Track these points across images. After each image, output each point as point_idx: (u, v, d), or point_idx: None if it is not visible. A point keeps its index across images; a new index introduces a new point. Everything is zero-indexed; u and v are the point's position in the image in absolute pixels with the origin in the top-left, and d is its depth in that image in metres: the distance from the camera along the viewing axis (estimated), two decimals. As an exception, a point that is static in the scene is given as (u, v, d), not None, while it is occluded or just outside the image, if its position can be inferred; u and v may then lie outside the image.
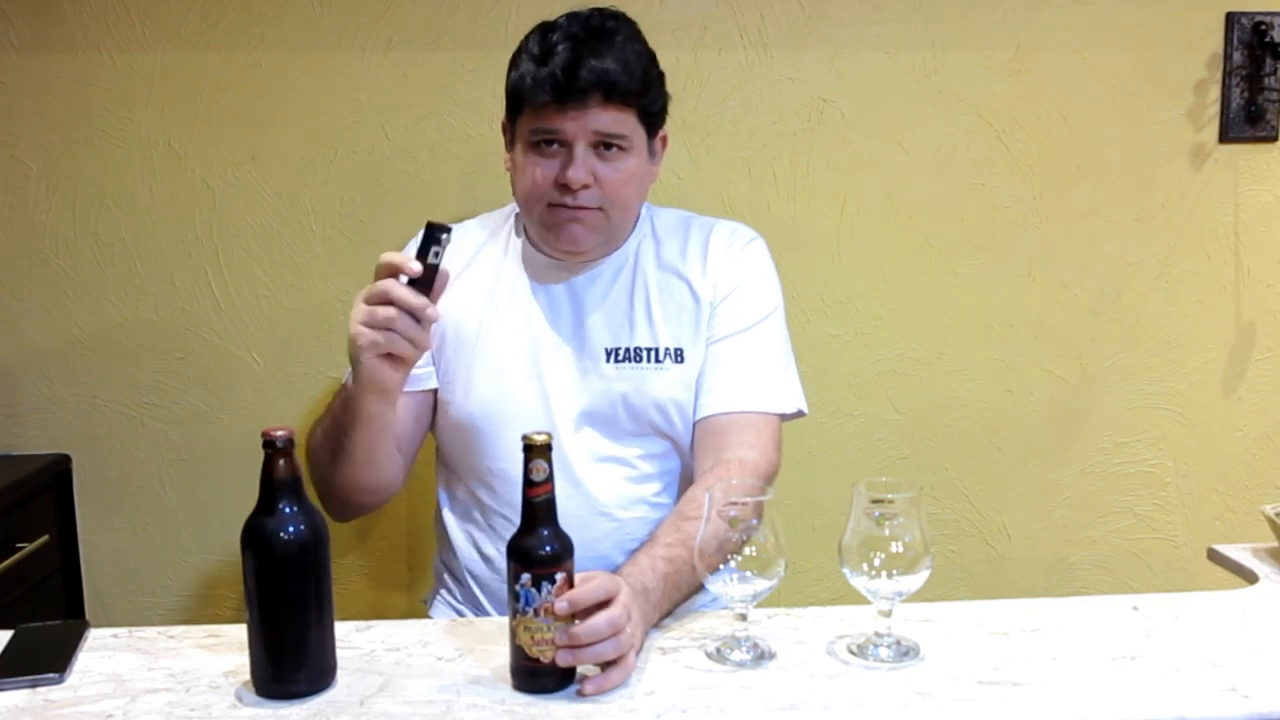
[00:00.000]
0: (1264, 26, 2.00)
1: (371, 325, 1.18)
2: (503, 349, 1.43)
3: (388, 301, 1.17)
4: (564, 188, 1.34)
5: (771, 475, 1.40)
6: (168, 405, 2.00)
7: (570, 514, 1.28)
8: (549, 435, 1.07)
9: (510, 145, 1.41)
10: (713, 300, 1.43)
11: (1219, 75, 2.03)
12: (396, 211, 1.95)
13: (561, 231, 1.38)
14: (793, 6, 1.96)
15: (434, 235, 1.17)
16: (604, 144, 1.34)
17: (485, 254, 1.48)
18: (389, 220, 1.95)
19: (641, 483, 1.45)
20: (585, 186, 1.34)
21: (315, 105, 1.93)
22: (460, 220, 1.55)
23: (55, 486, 1.97)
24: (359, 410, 1.27)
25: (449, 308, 1.43)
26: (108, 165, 1.93)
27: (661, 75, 1.40)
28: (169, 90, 1.91)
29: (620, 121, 1.34)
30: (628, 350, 1.42)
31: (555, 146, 1.34)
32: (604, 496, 1.42)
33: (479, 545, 1.47)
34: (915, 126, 2.01)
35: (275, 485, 1.05)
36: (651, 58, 1.38)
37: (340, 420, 1.31)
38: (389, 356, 1.20)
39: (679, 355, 1.42)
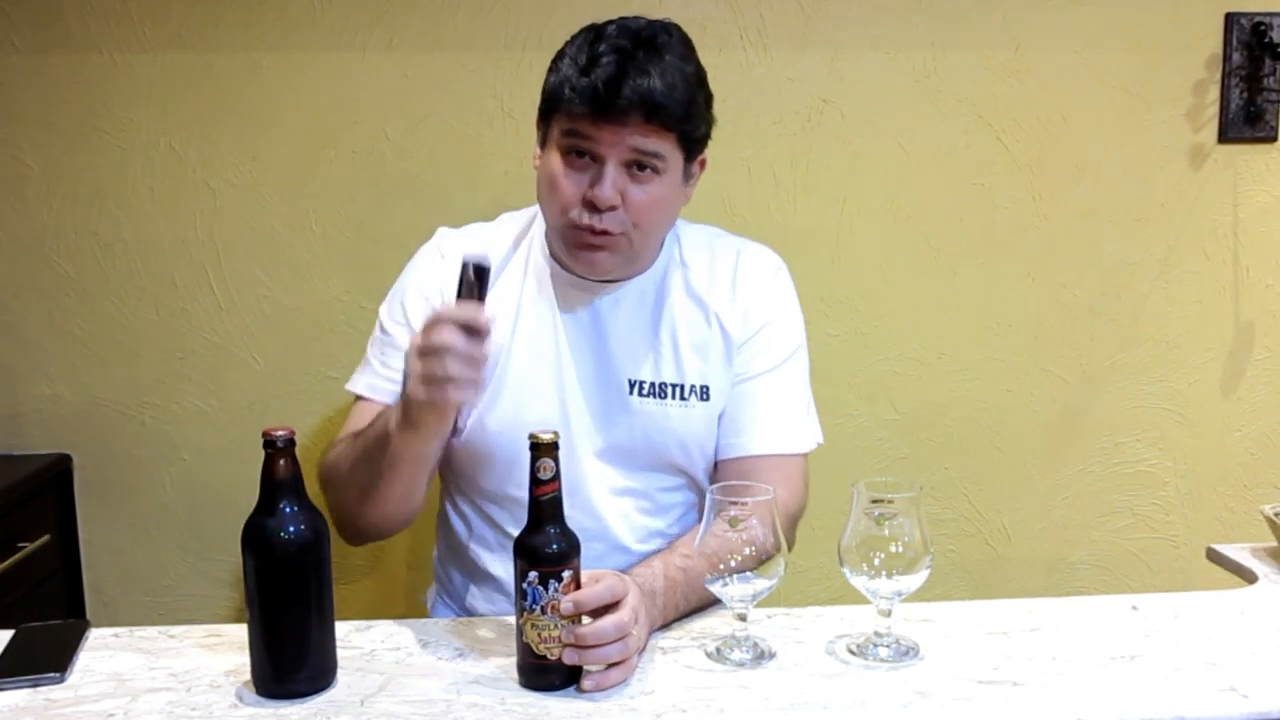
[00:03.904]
0: (1263, 27, 2.00)
1: (429, 381, 1.11)
2: (526, 374, 1.37)
3: (441, 350, 1.09)
4: (591, 206, 1.28)
5: (800, 514, 1.39)
6: (168, 405, 2.00)
7: (585, 546, 1.28)
8: (556, 434, 1.07)
9: (541, 144, 1.35)
10: (741, 338, 1.39)
11: (1218, 76, 2.03)
12: (396, 211, 1.95)
13: (581, 255, 1.32)
14: (793, 6, 1.96)
15: (476, 274, 1.11)
16: (637, 164, 1.28)
17: (510, 270, 1.42)
18: (389, 220, 1.95)
19: (655, 515, 1.42)
20: (612, 207, 1.27)
21: (315, 105, 1.93)
22: (473, 220, 1.51)
23: (56, 486, 1.97)
24: (406, 453, 1.22)
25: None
26: (108, 165, 1.93)
27: (709, 98, 1.34)
28: (169, 90, 1.91)
29: (658, 144, 1.27)
30: (653, 385, 1.38)
31: (587, 159, 1.28)
32: (619, 529, 1.39)
33: (484, 563, 1.44)
34: (915, 126, 2.01)
35: (275, 485, 1.06)
36: (700, 79, 1.31)
37: (376, 463, 1.25)
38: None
39: (705, 393, 1.38)
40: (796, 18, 1.96)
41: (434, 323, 1.11)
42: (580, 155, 1.28)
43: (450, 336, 1.09)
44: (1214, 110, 2.05)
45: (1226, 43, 2.02)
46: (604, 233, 1.29)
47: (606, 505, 1.39)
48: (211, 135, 1.93)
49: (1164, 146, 2.06)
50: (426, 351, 1.11)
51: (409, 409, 1.17)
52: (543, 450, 1.07)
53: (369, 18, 1.91)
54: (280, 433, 1.05)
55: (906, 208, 2.03)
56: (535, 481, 1.07)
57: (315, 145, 1.94)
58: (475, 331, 1.10)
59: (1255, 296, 2.13)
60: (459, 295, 1.12)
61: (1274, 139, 2.06)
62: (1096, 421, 2.14)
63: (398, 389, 1.37)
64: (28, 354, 1.97)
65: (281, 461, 1.05)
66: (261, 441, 1.05)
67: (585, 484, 1.37)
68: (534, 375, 1.38)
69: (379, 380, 1.40)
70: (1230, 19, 2.01)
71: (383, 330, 1.42)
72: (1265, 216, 2.10)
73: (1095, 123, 2.04)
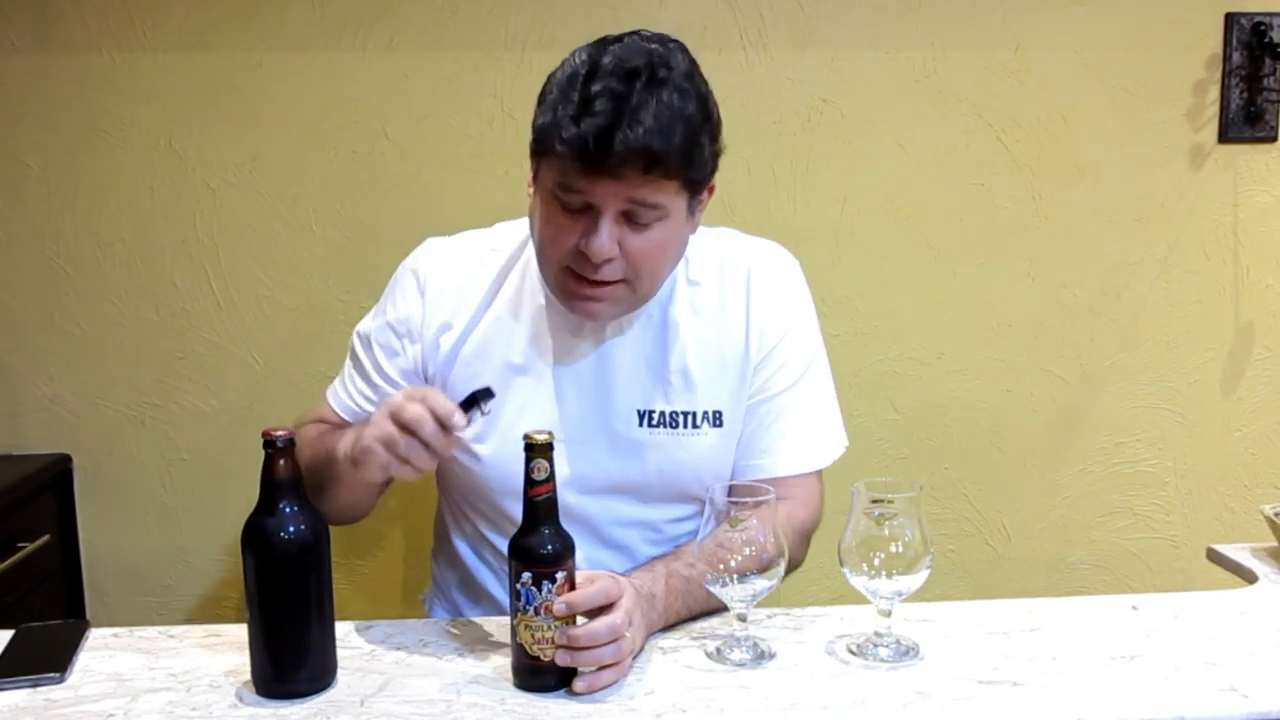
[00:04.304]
0: (1263, 27, 2.00)
1: (389, 449, 1.10)
2: (524, 410, 1.31)
3: (411, 431, 1.09)
4: (583, 256, 1.18)
5: (815, 528, 1.36)
6: (168, 405, 2.00)
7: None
8: (550, 434, 1.07)
9: (534, 178, 1.24)
10: (757, 357, 1.32)
11: (1218, 76, 2.03)
12: (396, 211, 1.95)
13: (576, 306, 1.24)
14: (793, 6, 1.96)
15: (478, 401, 1.13)
16: (635, 213, 1.18)
17: (503, 295, 1.34)
18: (389, 220, 1.95)
19: (665, 545, 1.36)
20: (608, 260, 1.18)
21: (315, 105, 1.93)
22: (470, 222, 1.47)
23: (56, 486, 1.98)
24: (351, 480, 1.22)
25: (468, 361, 1.34)
26: (108, 165, 1.93)
27: (716, 129, 1.22)
28: (169, 90, 1.91)
29: (657, 191, 1.16)
30: (663, 415, 1.30)
31: (580, 207, 1.17)
32: (621, 561, 1.35)
33: (482, 581, 1.43)
34: (915, 126, 2.01)
35: (275, 485, 1.06)
36: (705, 115, 1.19)
37: (324, 474, 1.25)
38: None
39: (717, 418, 1.31)
40: (796, 18, 1.96)
41: (415, 399, 1.11)
42: (573, 206, 1.18)
43: (424, 422, 1.09)
44: (1214, 110, 2.05)
45: (1226, 43, 2.02)
46: (600, 283, 1.20)
47: (614, 536, 1.36)
48: (211, 135, 1.93)
49: (1164, 146, 2.06)
50: (398, 421, 1.10)
51: (360, 453, 1.13)
52: (537, 451, 1.06)
53: (369, 18, 1.91)
54: (280, 433, 1.05)
55: (906, 208, 2.03)
56: (529, 482, 1.07)
57: (315, 145, 1.94)
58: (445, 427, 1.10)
59: (1255, 296, 2.13)
60: (462, 402, 1.12)
61: (1274, 139, 2.06)
62: (1096, 421, 2.14)
63: (357, 410, 1.38)
64: (28, 354, 1.97)
65: (281, 461, 1.05)
66: (261, 441, 1.05)
67: (592, 519, 1.33)
68: (533, 411, 1.31)
69: (345, 398, 1.40)
70: (1230, 19, 2.01)
71: (354, 355, 1.41)
72: (1265, 216, 2.10)
73: (1095, 123, 2.04)
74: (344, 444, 1.21)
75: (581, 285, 1.21)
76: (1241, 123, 2.05)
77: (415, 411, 1.09)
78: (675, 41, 1.22)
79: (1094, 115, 2.03)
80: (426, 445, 1.10)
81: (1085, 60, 2.02)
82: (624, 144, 1.11)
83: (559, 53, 2.00)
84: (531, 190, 1.26)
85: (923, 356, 2.08)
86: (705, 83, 1.21)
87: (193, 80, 1.91)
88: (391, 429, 1.10)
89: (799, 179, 2.01)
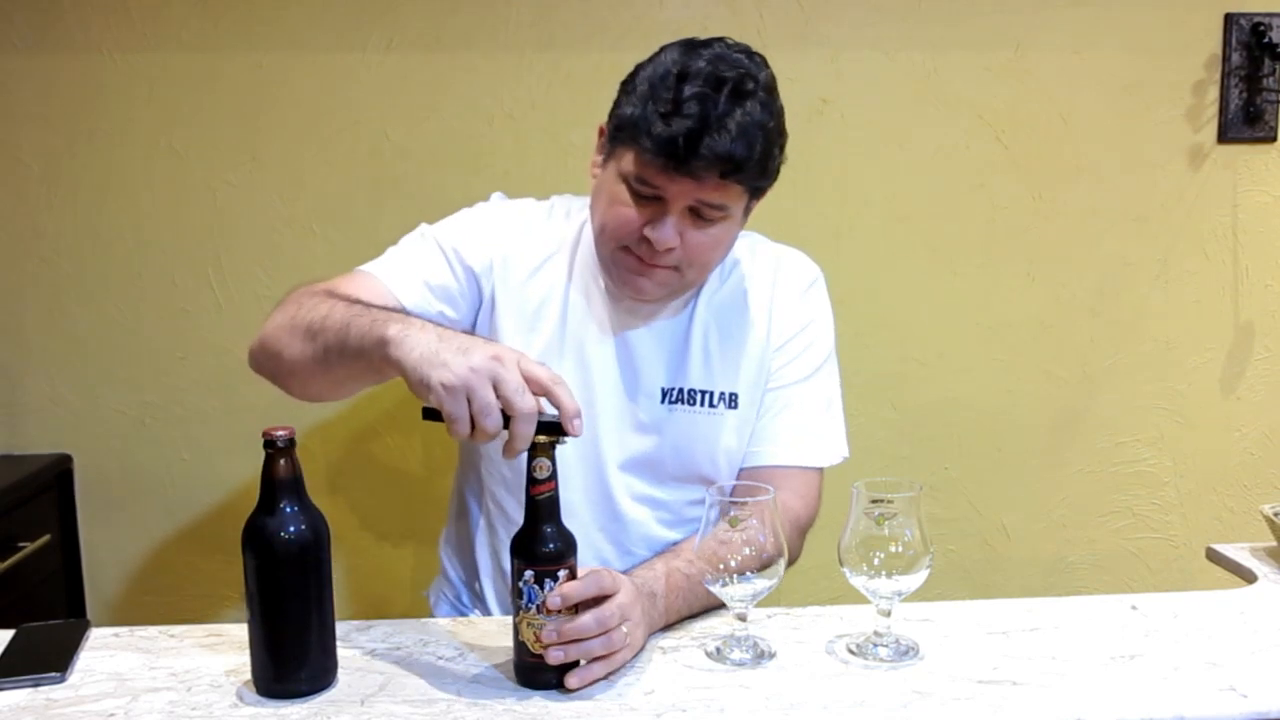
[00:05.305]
0: (1262, 27, 2.01)
1: (476, 411, 1.02)
2: None
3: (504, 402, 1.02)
4: (646, 241, 1.25)
5: (810, 526, 1.38)
6: (168, 405, 2.00)
7: (605, 552, 1.29)
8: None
9: (604, 159, 1.30)
10: (773, 347, 1.38)
11: (1217, 76, 2.04)
12: (396, 211, 1.95)
13: (628, 281, 1.30)
14: (793, 6, 1.96)
15: (556, 434, 1.06)
16: (701, 210, 1.24)
17: (553, 268, 1.38)
18: (389, 220, 1.95)
19: (674, 527, 1.39)
20: (669, 249, 1.24)
21: (315, 105, 1.93)
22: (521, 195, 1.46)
23: (57, 486, 1.98)
24: (377, 366, 1.11)
25: (518, 309, 1.36)
26: (108, 165, 1.93)
27: (785, 142, 1.29)
28: (169, 90, 1.91)
29: (725, 195, 1.23)
30: (682, 391, 1.36)
31: (649, 197, 1.24)
32: (635, 536, 1.38)
33: (501, 562, 1.43)
34: (915, 126, 2.01)
35: (276, 485, 1.06)
36: (779, 128, 1.26)
37: (347, 346, 1.13)
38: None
39: (733, 400, 1.37)
40: (796, 18, 1.96)
41: (535, 385, 1.05)
42: (643, 195, 1.24)
43: (530, 419, 1.03)
44: (1214, 110, 2.05)
45: (1226, 43, 2.02)
46: (655, 266, 1.27)
47: (624, 514, 1.37)
48: (211, 135, 1.93)
49: (1164, 146, 2.06)
50: (501, 393, 1.02)
51: (443, 386, 1.03)
52: (539, 450, 1.06)
53: (369, 18, 1.91)
54: (280, 433, 1.05)
55: (906, 208, 2.04)
56: (531, 481, 1.07)
57: (315, 145, 1.94)
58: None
59: (1255, 296, 2.13)
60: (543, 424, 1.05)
61: (1273, 139, 2.07)
62: (1096, 421, 2.14)
63: (407, 284, 1.31)
64: (28, 354, 1.97)
65: (281, 461, 1.05)
66: (262, 441, 1.05)
67: (613, 492, 1.36)
68: (567, 379, 1.33)
69: (394, 273, 1.32)
70: (1230, 19, 2.02)
71: (421, 245, 1.37)
72: (1265, 216, 2.10)
73: (1095, 123, 2.04)
74: (404, 352, 1.06)
75: (637, 263, 1.27)
76: (1241, 123, 2.05)
77: (529, 405, 1.02)
78: (759, 55, 1.28)
79: (1094, 115, 2.04)
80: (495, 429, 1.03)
81: (1085, 60, 2.02)
82: (709, 149, 1.17)
83: (559, 53, 2.02)
84: (598, 171, 1.31)
85: (923, 356, 2.08)
86: (779, 97, 1.27)
87: (193, 80, 1.91)
88: (492, 398, 1.02)
89: (799, 179, 2.00)
